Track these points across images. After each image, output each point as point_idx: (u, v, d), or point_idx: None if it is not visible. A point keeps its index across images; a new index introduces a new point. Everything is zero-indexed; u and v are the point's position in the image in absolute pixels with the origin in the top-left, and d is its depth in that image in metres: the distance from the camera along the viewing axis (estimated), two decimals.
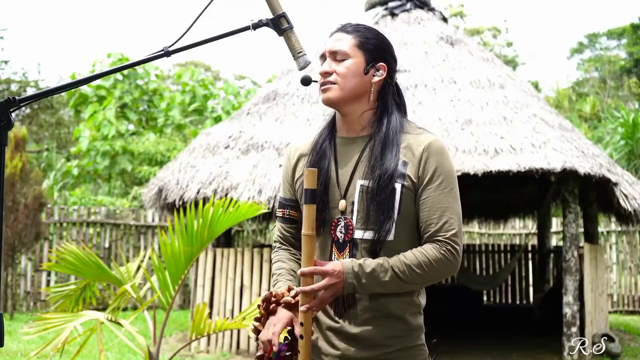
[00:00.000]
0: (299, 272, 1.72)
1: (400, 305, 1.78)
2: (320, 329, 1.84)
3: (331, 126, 1.92)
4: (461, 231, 1.78)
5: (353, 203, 1.79)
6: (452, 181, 1.79)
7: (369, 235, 1.77)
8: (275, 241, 1.98)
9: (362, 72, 1.83)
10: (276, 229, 1.97)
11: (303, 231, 1.69)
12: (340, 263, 1.71)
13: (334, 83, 1.82)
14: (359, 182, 1.79)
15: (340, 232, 1.80)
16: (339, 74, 1.82)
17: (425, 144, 1.79)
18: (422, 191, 1.77)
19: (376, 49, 1.85)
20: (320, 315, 1.83)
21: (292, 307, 1.76)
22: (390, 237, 1.76)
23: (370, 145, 1.82)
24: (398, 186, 1.76)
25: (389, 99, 1.87)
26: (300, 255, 1.87)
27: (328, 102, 1.85)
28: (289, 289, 1.79)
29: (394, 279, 1.71)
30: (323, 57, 1.87)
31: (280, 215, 1.96)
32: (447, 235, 1.74)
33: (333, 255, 1.81)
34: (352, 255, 1.78)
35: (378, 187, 1.75)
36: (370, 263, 1.71)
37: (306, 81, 1.87)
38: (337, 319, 1.79)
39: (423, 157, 1.78)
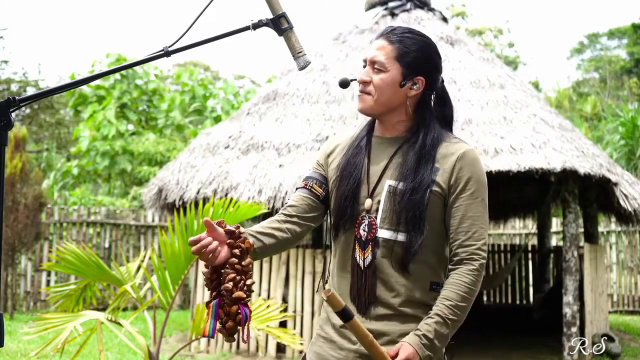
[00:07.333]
0: None
1: (419, 308, 1.80)
2: (335, 325, 1.85)
3: (371, 125, 1.95)
4: (487, 239, 1.82)
5: (379, 202, 1.81)
6: (484, 191, 1.82)
7: (392, 235, 1.79)
8: (284, 207, 1.93)
9: (397, 85, 1.84)
10: (290, 198, 1.94)
11: (361, 342, 1.68)
12: (409, 344, 1.70)
13: (370, 94, 1.84)
14: (388, 182, 1.81)
15: (364, 231, 1.82)
16: (375, 85, 1.84)
17: (459, 152, 1.81)
18: (455, 199, 1.80)
19: (416, 62, 1.84)
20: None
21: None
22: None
23: (403, 149, 1.84)
24: (426, 196, 1.78)
25: (426, 112, 1.87)
26: (292, 227, 1.86)
27: (362, 112, 1.88)
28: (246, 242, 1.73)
29: (451, 326, 1.75)
30: (365, 61, 1.88)
31: (302, 185, 1.94)
32: (477, 246, 1.77)
33: (356, 252, 1.82)
34: (374, 254, 1.79)
35: (410, 200, 1.76)
36: (429, 327, 1.72)
37: (344, 84, 1.91)
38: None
39: (456, 166, 1.80)
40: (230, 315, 1.65)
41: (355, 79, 1.90)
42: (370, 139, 1.91)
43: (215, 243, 1.66)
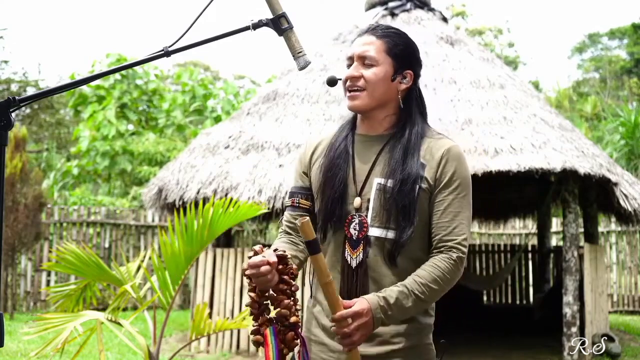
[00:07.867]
0: (330, 318, 1.67)
1: None
2: (324, 327, 1.84)
3: (352, 123, 1.94)
4: (469, 237, 1.81)
5: (369, 200, 1.80)
6: (468, 188, 1.82)
7: (382, 233, 1.78)
8: (280, 231, 1.94)
9: (389, 79, 1.84)
10: (284, 219, 1.94)
11: (320, 281, 1.64)
12: (366, 300, 1.68)
13: (362, 89, 1.83)
14: (376, 180, 1.80)
15: (354, 230, 1.80)
16: (367, 80, 1.82)
17: (444, 148, 1.81)
18: (438, 194, 1.79)
19: (404, 55, 1.86)
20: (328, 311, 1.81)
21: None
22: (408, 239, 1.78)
23: (389, 145, 1.83)
24: (415, 188, 1.78)
25: (413, 106, 1.88)
26: (304, 247, 1.85)
27: (355, 109, 1.86)
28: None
29: (415, 303, 1.72)
30: (350, 59, 1.87)
31: (290, 204, 1.93)
32: (457, 240, 1.77)
33: (346, 252, 1.81)
34: (365, 253, 1.78)
35: (400, 192, 1.76)
36: (392, 293, 1.71)
37: (332, 82, 1.88)
38: None
39: (442, 162, 1.80)
40: (285, 342, 1.65)
41: (342, 79, 1.88)
42: (353, 137, 1.90)
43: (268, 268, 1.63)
